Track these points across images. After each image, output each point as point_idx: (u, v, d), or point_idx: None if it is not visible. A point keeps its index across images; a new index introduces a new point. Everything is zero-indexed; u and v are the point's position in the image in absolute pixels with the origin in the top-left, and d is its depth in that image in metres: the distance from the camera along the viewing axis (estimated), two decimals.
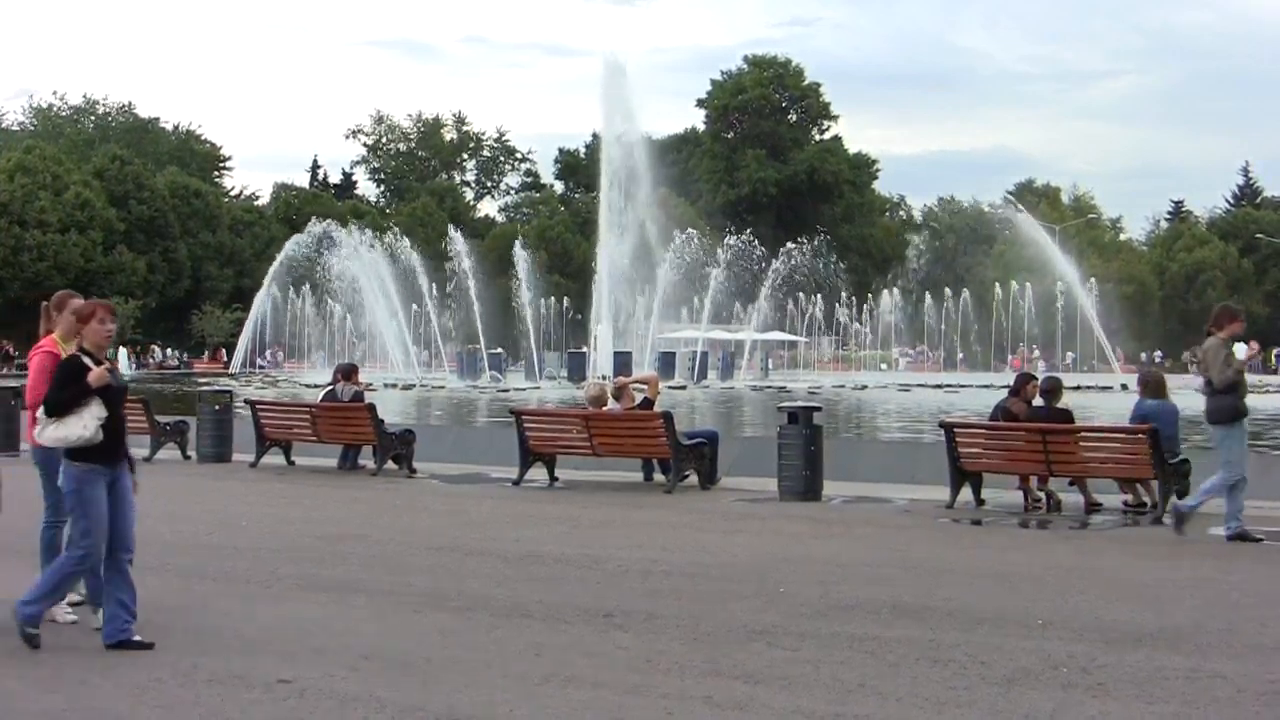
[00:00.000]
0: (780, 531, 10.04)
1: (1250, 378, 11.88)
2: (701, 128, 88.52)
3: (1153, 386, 11.62)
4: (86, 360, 5.93)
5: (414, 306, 49.82)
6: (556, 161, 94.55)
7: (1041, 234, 56.37)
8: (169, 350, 67.96)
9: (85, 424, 5.81)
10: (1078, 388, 28.88)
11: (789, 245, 49.71)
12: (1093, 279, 56.89)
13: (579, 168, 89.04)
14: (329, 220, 55.27)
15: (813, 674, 5.49)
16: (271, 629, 6.37)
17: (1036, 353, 59.40)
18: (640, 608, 6.87)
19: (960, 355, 64.04)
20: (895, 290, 67.37)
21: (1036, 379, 12.51)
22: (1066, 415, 11.54)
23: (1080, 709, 5.00)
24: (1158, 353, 66.93)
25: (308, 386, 33.07)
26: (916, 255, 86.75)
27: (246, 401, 16.53)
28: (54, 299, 6.85)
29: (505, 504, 12.14)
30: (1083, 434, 11.43)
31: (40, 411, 6.02)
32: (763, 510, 11.43)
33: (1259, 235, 78.34)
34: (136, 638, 5.83)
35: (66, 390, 5.86)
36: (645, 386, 13.85)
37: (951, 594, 7.33)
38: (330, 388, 15.76)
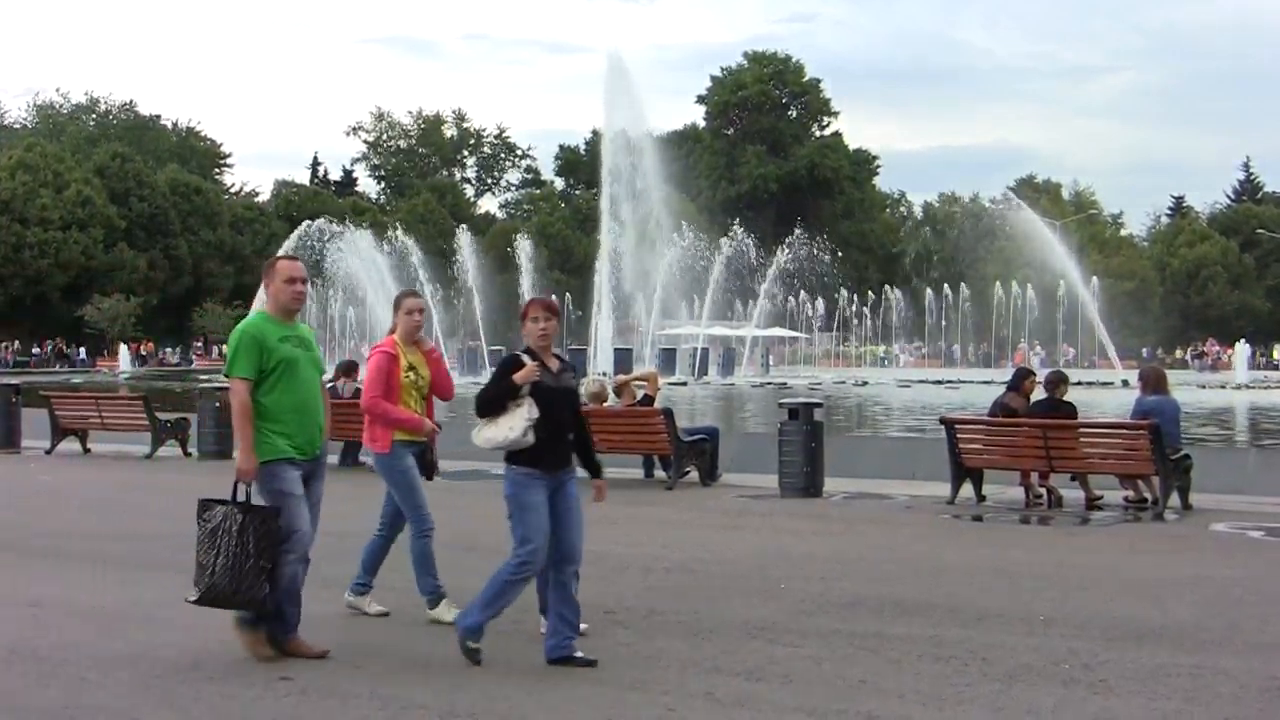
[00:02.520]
0: (781, 528, 10.03)
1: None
2: (702, 124, 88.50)
3: (1153, 382, 11.60)
4: (525, 358, 5.61)
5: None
6: (557, 158, 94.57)
7: (1042, 229, 56.32)
8: (169, 349, 67.94)
9: (513, 425, 5.48)
10: (1078, 383, 28.86)
11: (790, 239, 49.70)
12: (1094, 277, 56.84)
13: (579, 164, 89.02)
14: (326, 218, 55.25)
15: (814, 671, 5.49)
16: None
17: (1038, 348, 59.36)
18: (641, 604, 6.87)
19: (955, 347, 63.99)
20: (895, 287, 67.32)
21: (1035, 374, 12.49)
22: (1070, 409, 11.53)
23: (1082, 706, 4.99)
24: (1155, 350, 66.88)
25: None
26: (915, 253, 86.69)
27: None
28: (396, 297, 6.70)
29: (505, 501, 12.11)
30: (1083, 430, 11.41)
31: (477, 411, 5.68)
32: (763, 507, 11.42)
33: (1260, 231, 78.30)
34: (579, 654, 5.51)
35: (494, 386, 5.56)
36: (645, 383, 13.84)
37: (953, 590, 7.32)
38: (330, 385, 15.76)
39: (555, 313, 5.77)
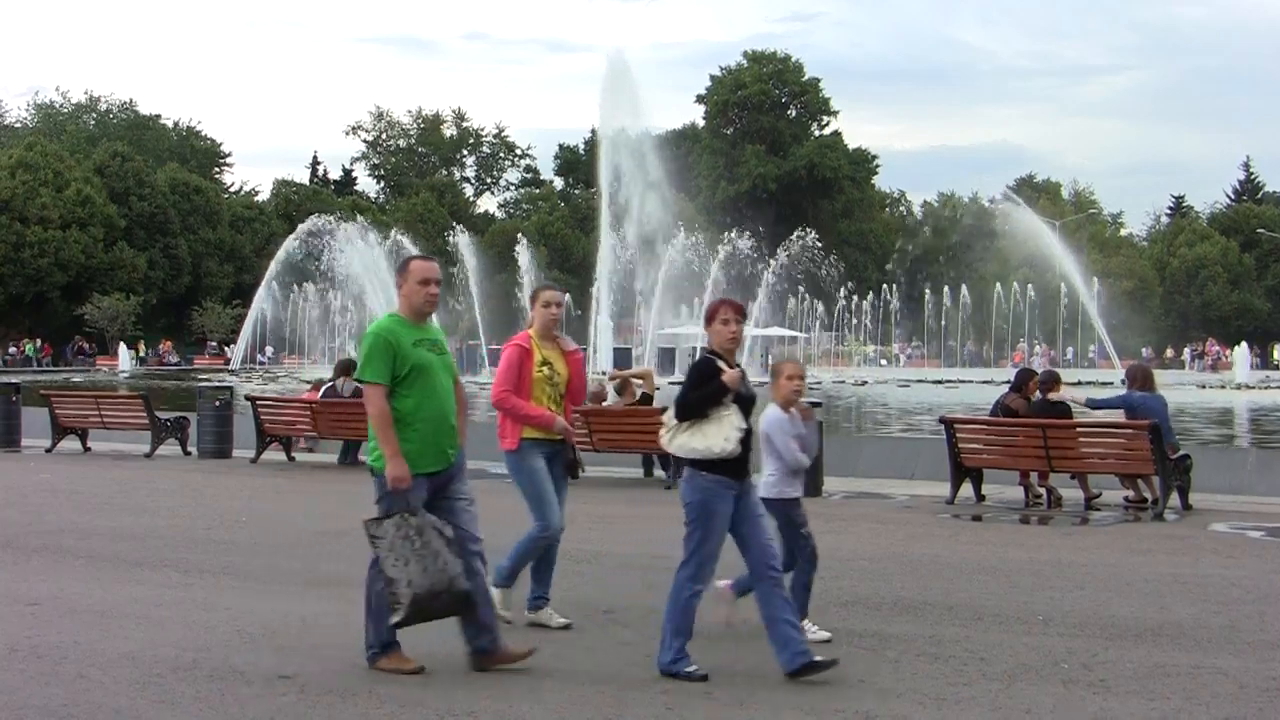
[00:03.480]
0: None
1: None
2: (701, 124, 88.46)
3: (1140, 379, 11.62)
4: (719, 362, 5.40)
5: None
6: (556, 158, 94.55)
7: (1042, 228, 56.33)
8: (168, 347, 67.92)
9: (727, 436, 5.27)
10: (1077, 383, 28.89)
11: (790, 238, 49.71)
12: (1095, 279, 56.85)
13: (578, 164, 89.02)
14: (325, 218, 55.24)
15: None
16: (272, 624, 6.36)
17: (1038, 348, 59.40)
18: (641, 603, 6.86)
19: (968, 346, 63.97)
20: (896, 286, 67.31)
21: (1038, 375, 12.50)
22: (1064, 409, 11.53)
23: (1081, 705, 4.99)
24: (1153, 349, 66.92)
25: (308, 382, 33.04)
26: (915, 253, 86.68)
27: (247, 398, 16.53)
28: (533, 290, 6.44)
29: (505, 500, 12.07)
30: (1083, 429, 11.41)
31: (668, 415, 5.45)
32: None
33: (1260, 230, 78.29)
34: (817, 658, 5.26)
35: (698, 390, 5.32)
36: (642, 381, 13.84)
37: (952, 590, 7.32)
38: (331, 383, 15.76)
39: (745, 315, 5.59)
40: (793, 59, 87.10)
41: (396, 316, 5.50)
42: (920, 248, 78.48)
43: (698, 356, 5.49)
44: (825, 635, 5.96)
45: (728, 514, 5.31)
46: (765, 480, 5.93)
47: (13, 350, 59.76)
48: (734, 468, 5.32)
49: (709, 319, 5.50)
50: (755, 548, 5.38)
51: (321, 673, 5.41)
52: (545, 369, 6.17)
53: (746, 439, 5.36)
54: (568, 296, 56.96)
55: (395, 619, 5.20)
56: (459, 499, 5.47)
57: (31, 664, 5.58)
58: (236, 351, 59.45)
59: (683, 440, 5.32)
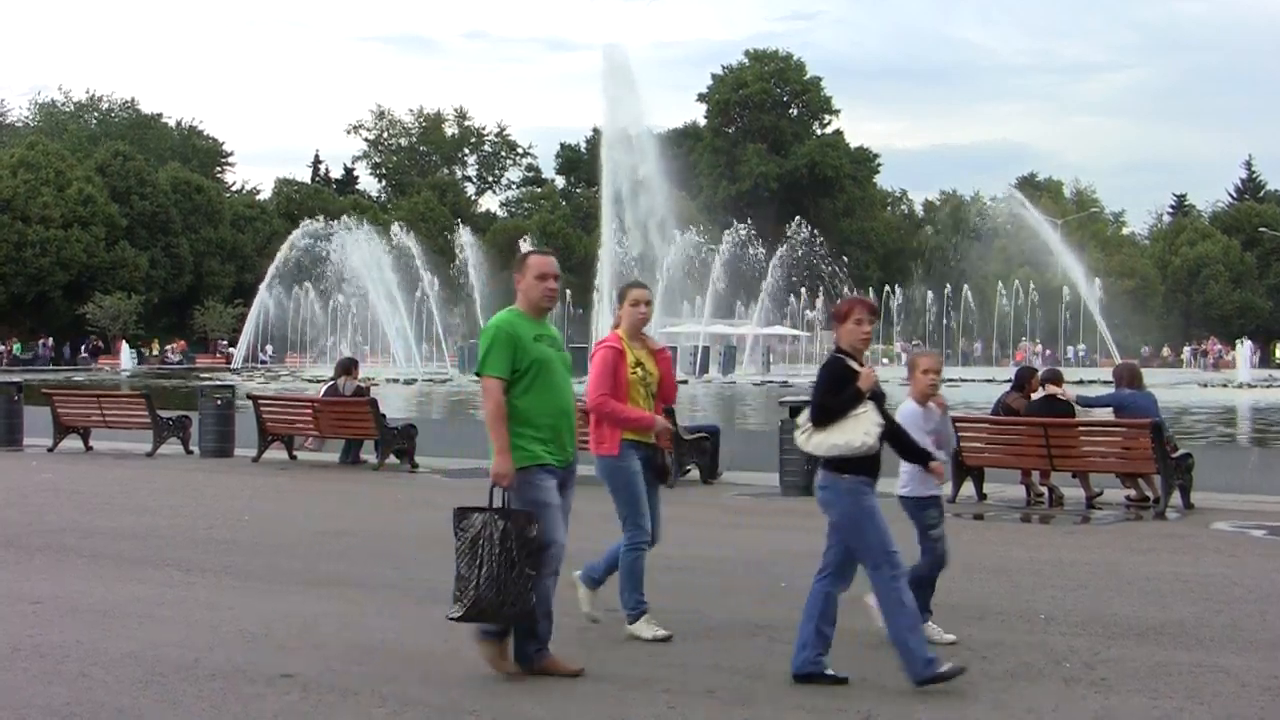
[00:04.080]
0: (782, 526, 10.03)
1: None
2: (702, 122, 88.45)
3: (1128, 377, 11.62)
4: (850, 363, 5.31)
5: (415, 297, 49.80)
6: (557, 156, 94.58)
7: (1044, 227, 56.32)
8: (169, 346, 68.01)
9: (867, 431, 5.17)
10: (1079, 381, 28.86)
11: (790, 237, 49.71)
12: (1098, 279, 56.81)
13: (580, 162, 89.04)
14: (326, 217, 55.28)
15: None
16: (273, 623, 6.36)
17: (1040, 347, 59.38)
18: None
19: (977, 345, 63.94)
20: (896, 285, 67.30)
21: (1039, 373, 12.50)
22: (1066, 408, 11.52)
23: (1083, 704, 4.99)
24: (1157, 349, 66.89)
25: (309, 381, 33.07)
26: (915, 252, 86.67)
27: (248, 396, 16.53)
28: (619, 291, 6.29)
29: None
30: (1084, 428, 11.41)
31: (803, 418, 5.33)
32: (764, 505, 11.42)
33: (1262, 229, 78.27)
34: (829, 671, 5.20)
35: (838, 394, 5.22)
36: None
37: (953, 589, 7.30)
38: (332, 382, 15.76)
39: (878, 314, 5.44)
40: (794, 58, 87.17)
41: (516, 311, 5.40)
42: (924, 247, 78.47)
43: (828, 357, 5.40)
44: (950, 638, 5.84)
45: (878, 509, 5.21)
46: (900, 478, 5.84)
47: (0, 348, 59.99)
48: (871, 465, 5.25)
49: (841, 318, 5.37)
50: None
51: (323, 672, 5.41)
52: (638, 370, 6.01)
53: (883, 435, 5.28)
54: (569, 294, 56.86)
55: (452, 613, 5.12)
56: (564, 509, 5.44)
57: (34, 663, 5.59)
58: (238, 350, 59.46)
59: (821, 438, 5.22)
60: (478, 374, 5.34)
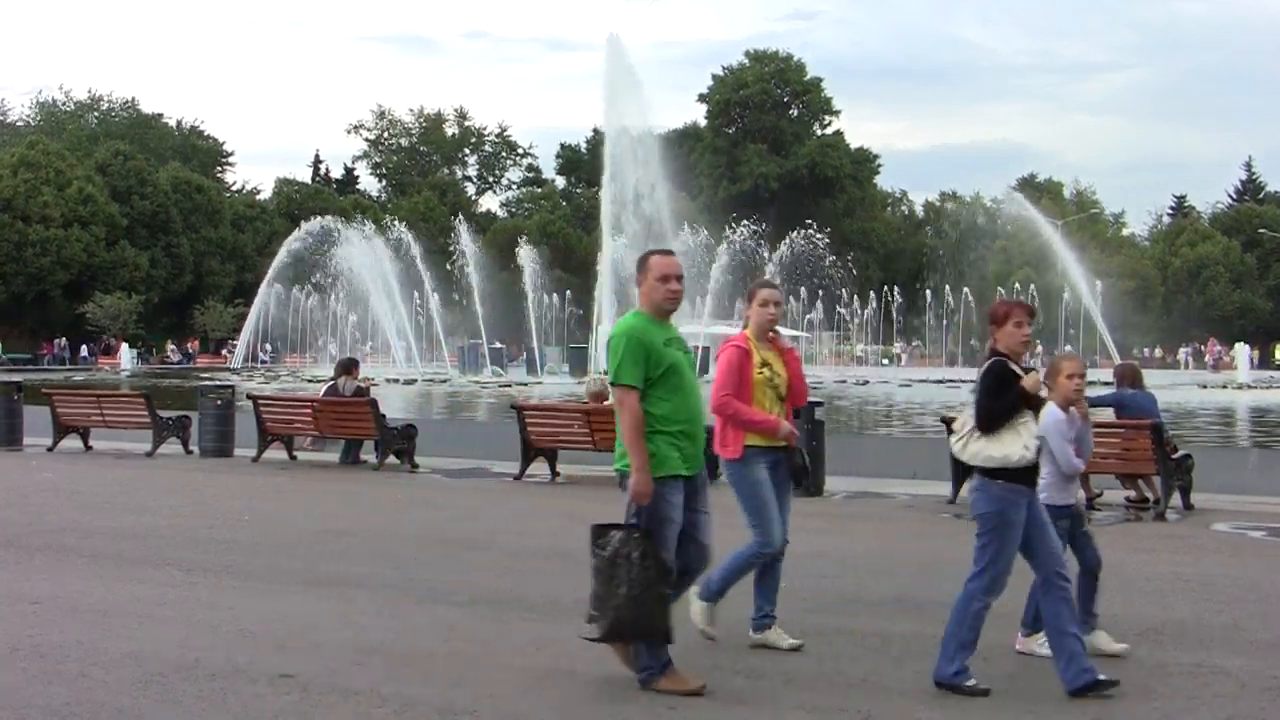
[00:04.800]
0: None
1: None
2: (703, 123, 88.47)
3: (1128, 377, 11.63)
4: (1013, 366, 5.16)
5: (415, 299, 49.81)
6: (558, 156, 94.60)
7: (1045, 227, 56.33)
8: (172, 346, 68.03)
9: (1026, 444, 5.04)
10: None
11: (791, 235, 49.75)
12: (1099, 282, 56.80)
13: (580, 162, 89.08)
14: (328, 217, 55.28)
15: (815, 669, 5.49)
16: (273, 623, 6.36)
17: (1040, 348, 59.33)
18: None
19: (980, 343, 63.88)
20: (897, 286, 67.31)
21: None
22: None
23: (1083, 704, 4.99)
24: (1152, 349, 66.88)
25: (309, 381, 33.07)
26: (916, 252, 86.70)
27: (248, 396, 16.53)
28: (747, 291, 6.03)
29: (507, 498, 12.14)
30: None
31: (959, 424, 5.21)
32: None
33: (1262, 230, 78.27)
34: (1101, 676, 5.03)
35: (1001, 399, 5.08)
36: None
37: (954, 589, 7.26)
38: (332, 382, 15.76)
39: (1035, 315, 5.33)
40: (794, 58, 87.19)
41: (642, 315, 5.21)
42: (927, 247, 78.49)
43: (990, 361, 5.21)
44: (1121, 648, 5.71)
45: (1022, 523, 5.10)
46: (1039, 485, 5.66)
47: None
48: (1029, 475, 5.13)
49: (1000, 320, 5.22)
50: (1042, 555, 5.18)
51: (323, 672, 5.41)
52: (765, 370, 5.79)
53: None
54: (569, 294, 56.95)
55: (588, 634, 5.01)
56: (702, 511, 5.27)
57: (34, 663, 5.59)
58: (238, 350, 59.47)
59: (977, 448, 5.09)
60: (612, 384, 5.16)
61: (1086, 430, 5.88)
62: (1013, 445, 5.03)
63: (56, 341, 62.34)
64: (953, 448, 5.23)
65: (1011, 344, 5.20)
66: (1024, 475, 5.09)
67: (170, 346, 65.50)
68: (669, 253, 5.46)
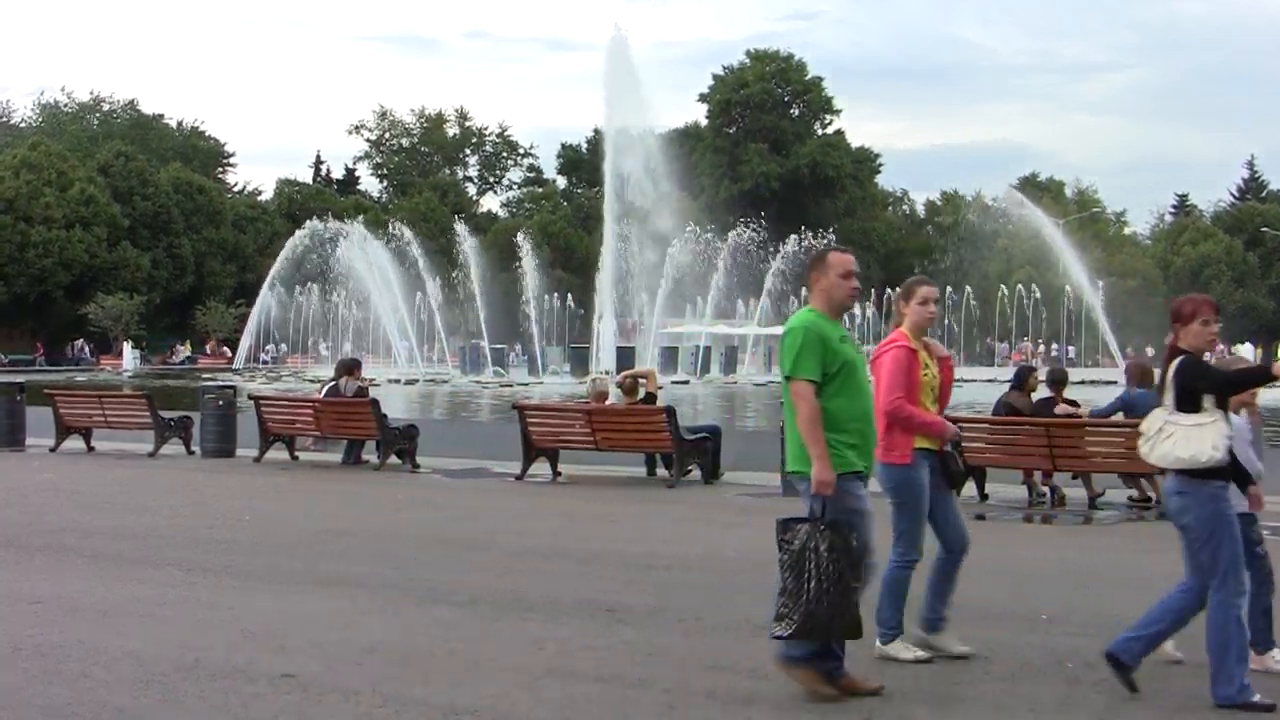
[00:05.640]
0: None
1: None
2: (704, 123, 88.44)
3: (1138, 376, 11.61)
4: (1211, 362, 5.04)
5: (417, 299, 49.84)
6: (559, 156, 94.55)
7: (1047, 226, 56.29)
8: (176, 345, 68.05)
9: (1215, 444, 4.86)
10: (1080, 382, 28.86)
11: (793, 237, 49.72)
12: (1100, 281, 56.74)
13: (581, 163, 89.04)
14: (330, 217, 55.30)
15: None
16: (274, 623, 6.36)
17: (1042, 347, 59.29)
18: (643, 602, 6.86)
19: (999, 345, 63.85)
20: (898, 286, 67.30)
21: (1038, 372, 12.50)
22: (1073, 407, 11.53)
23: (1085, 704, 4.98)
24: (1148, 348, 66.82)
25: (310, 381, 33.08)
26: (918, 252, 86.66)
27: (250, 397, 16.54)
28: (903, 288, 5.88)
29: (508, 498, 12.14)
30: (1087, 428, 11.40)
31: (1147, 424, 5.04)
32: (765, 505, 11.40)
33: (1264, 229, 78.20)
34: (1255, 698, 4.87)
35: (1245, 372, 5.00)
36: (644, 381, 13.85)
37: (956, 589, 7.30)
38: (333, 383, 15.77)
39: (1220, 313, 5.17)
40: (795, 58, 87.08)
41: (816, 311, 5.16)
42: (930, 247, 78.46)
43: (1181, 360, 5.00)
44: (1179, 656, 5.56)
45: (1235, 520, 4.95)
46: None
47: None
48: (1229, 471, 4.97)
49: (1186, 319, 5.05)
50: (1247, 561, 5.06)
51: (324, 671, 5.41)
52: (928, 372, 5.65)
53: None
54: (570, 294, 56.85)
55: (779, 631, 4.92)
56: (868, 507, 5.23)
57: (35, 663, 5.59)
58: (240, 351, 59.48)
59: (1165, 449, 4.93)
60: (787, 377, 5.06)
61: (1258, 433, 5.76)
62: (1201, 444, 4.87)
63: (74, 344, 62.42)
64: (1140, 450, 5.09)
65: (1198, 342, 5.06)
66: (1226, 472, 4.95)
67: (178, 346, 65.47)
68: (846, 250, 5.40)
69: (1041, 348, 59.98)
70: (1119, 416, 11.33)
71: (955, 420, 11.67)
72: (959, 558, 5.73)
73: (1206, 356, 5.12)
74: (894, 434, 5.51)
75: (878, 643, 5.62)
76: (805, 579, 4.83)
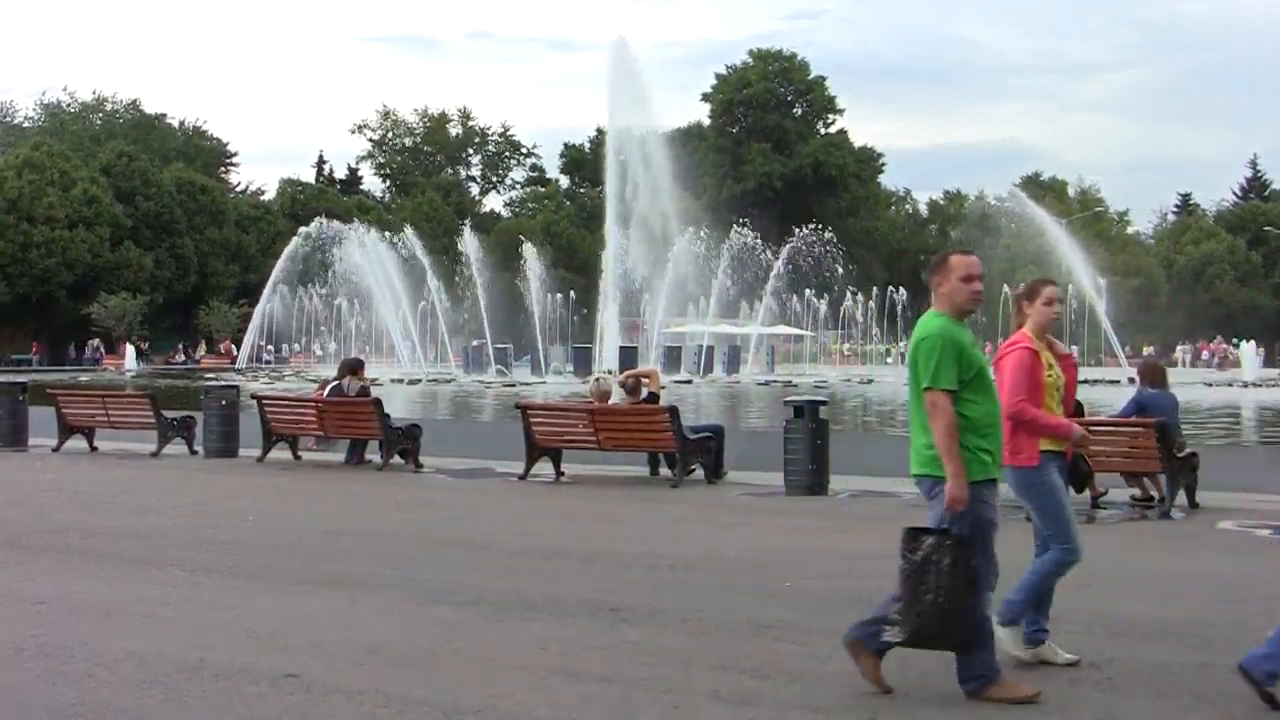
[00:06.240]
0: (786, 526, 10.02)
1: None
2: (706, 122, 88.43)
3: (1150, 376, 11.59)
4: None
5: (421, 301, 49.87)
6: (561, 156, 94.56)
7: (1051, 226, 56.25)
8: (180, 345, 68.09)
9: None
10: (1084, 381, 28.82)
11: (796, 234, 49.72)
12: (1103, 280, 56.67)
13: (583, 162, 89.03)
14: (334, 219, 55.32)
15: (819, 668, 5.47)
16: (277, 623, 6.36)
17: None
18: (646, 602, 6.86)
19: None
20: (901, 286, 67.24)
21: None
22: (1077, 408, 11.49)
23: (1088, 703, 4.97)
24: (1149, 348, 66.75)
25: (312, 381, 33.07)
26: (920, 252, 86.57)
27: (253, 397, 16.54)
28: (1023, 287, 5.79)
29: (511, 498, 12.14)
30: (1089, 428, 11.35)
31: None
32: (768, 504, 11.41)
33: (1267, 228, 78.12)
34: None
35: None
36: (646, 380, 13.84)
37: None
38: (336, 383, 15.77)
39: None
40: (798, 57, 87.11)
41: (944, 315, 5.07)
42: (933, 247, 78.36)
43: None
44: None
45: None
46: None
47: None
48: None
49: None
50: None
51: (327, 671, 5.41)
52: (1052, 373, 5.59)
53: None
54: (573, 294, 56.84)
55: (892, 637, 4.92)
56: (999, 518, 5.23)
57: (38, 663, 5.59)
58: (242, 351, 59.51)
59: None
60: (926, 387, 4.97)
61: None
62: None
63: (89, 343, 62.53)
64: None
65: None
66: None
67: (224, 346, 65.42)
68: (969, 252, 5.33)
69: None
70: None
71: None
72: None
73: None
74: (1019, 437, 5.43)
75: (1026, 647, 5.55)
76: (923, 590, 4.83)
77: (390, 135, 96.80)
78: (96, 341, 62.29)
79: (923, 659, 5.59)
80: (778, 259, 49.51)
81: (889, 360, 61.57)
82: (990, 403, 5.05)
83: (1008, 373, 5.48)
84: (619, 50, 47.82)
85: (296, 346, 60.31)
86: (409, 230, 51.84)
